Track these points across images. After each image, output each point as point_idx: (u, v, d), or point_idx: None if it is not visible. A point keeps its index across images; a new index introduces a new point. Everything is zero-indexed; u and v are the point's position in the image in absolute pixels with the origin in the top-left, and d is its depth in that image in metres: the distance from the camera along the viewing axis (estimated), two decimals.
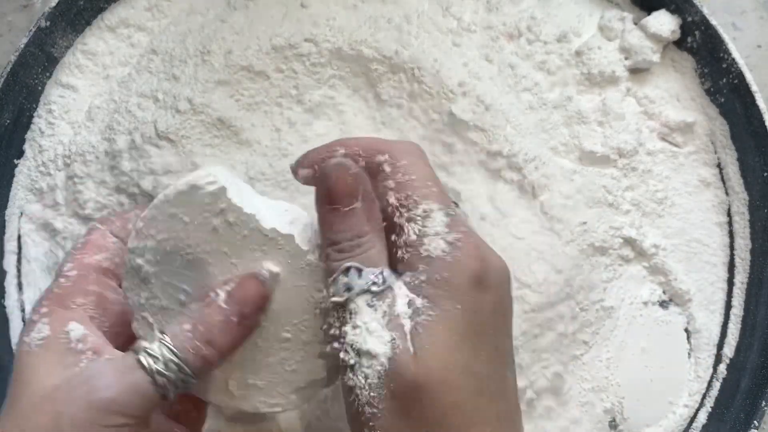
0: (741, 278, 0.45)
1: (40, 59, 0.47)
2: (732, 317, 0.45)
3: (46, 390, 0.28)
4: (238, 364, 0.30)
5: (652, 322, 0.45)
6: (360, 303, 0.27)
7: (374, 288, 0.27)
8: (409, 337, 0.26)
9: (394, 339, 0.26)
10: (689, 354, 0.45)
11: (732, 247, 0.46)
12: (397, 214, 0.28)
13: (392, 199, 0.29)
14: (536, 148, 0.44)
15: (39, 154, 0.47)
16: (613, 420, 0.43)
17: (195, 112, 0.43)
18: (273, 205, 0.31)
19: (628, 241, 0.44)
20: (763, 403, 0.41)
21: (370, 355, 0.26)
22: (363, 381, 0.26)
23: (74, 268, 0.33)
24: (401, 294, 0.27)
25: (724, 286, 0.46)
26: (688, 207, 0.46)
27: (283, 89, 0.44)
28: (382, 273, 0.27)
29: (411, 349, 0.26)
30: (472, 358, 0.27)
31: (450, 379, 0.26)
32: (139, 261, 0.30)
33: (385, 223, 0.29)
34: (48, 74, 0.48)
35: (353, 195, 0.28)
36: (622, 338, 0.44)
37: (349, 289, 0.27)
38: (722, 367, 0.44)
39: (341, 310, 0.28)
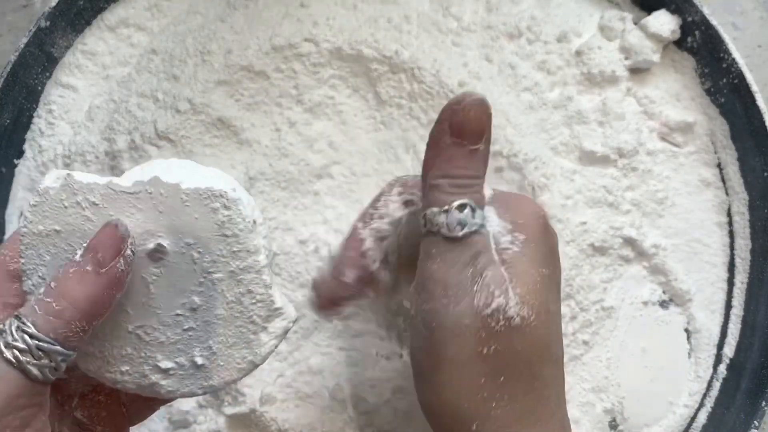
0: (741, 278, 0.45)
1: (40, 59, 0.47)
2: (732, 317, 0.45)
3: None
4: (112, 332, 0.28)
5: (652, 322, 0.45)
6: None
7: (482, 230, 0.28)
8: (506, 276, 0.28)
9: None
10: (689, 354, 0.45)
11: (732, 247, 0.46)
12: None
13: None
14: (536, 148, 0.44)
15: (39, 154, 0.47)
16: (613, 420, 0.43)
17: (195, 112, 0.43)
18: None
19: (628, 241, 0.44)
20: (763, 403, 0.41)
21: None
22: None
23: None
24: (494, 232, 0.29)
25: (725, 286, 0.46)
26: (688, 207, 0.46)
27: (283, 89, 0.44)
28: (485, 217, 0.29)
29: (510, 291, 0.27)
30: (551, 297, 0.29)
31: (541, 319, 0.28)
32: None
33: None
34: (48, 74, 0.48)
35: (482, 135, 0.29)
36: (622, 338, 0.44)
37: (462, 225, 0.28)
38: (722, 367, 0.44)
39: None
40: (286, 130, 0.44)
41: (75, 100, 0.48)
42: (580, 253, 0.43)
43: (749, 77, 0.45)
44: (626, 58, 0.47)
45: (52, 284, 0.25)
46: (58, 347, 0.25)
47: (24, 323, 0.25)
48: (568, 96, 0.45)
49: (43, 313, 0.25)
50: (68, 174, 0.27)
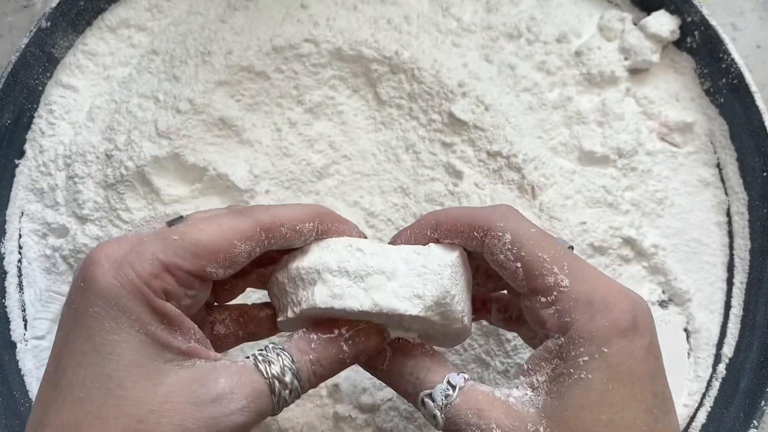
0: (740, 278, 0.45)
1: (40, 59, 0.47)
2: (731, 317, 0.45)
3: (154, 398, 0.26)
4: None
5: None
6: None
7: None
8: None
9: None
10: (689, 354, 0.45)
11: (731, 247, 0.46)
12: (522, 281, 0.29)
13: (512, 267, 0.29)
14: (536, 148, 0.44)
15: (39, 154, 0.47)
16: None
17: (196, 112, 0.43)
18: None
19: (628, 241, 0.44)
20: (763, 402, 0.41)
21: None
22: None
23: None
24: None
25: (724, 285, 0.46)
26: (687, 207, 0.46)
27: (284, 89, 0.44)
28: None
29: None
30: (621, 411, 0.26)
31: None
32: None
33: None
34: (48, 74, 0.48)
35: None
36: None
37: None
38: (721, 367, 0.44)
39: None
40: (287, 130, 0.44)
41: (76, 100, 0.48)
42: (580, 253, 0.43)
43: (748, 77, 0.45)
44: (626, 59, 0.47)
45: (318, 351, 0.29)
46: (299, 392, 0.29)
47: (292, 364, 0.29)
48: (567, 96, 0.46)
49: (306, 369, 0.29)
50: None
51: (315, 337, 0.30)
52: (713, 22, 0.46)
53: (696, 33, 0.47)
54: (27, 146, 0.47)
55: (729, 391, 0.43)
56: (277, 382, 0.28)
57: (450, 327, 0.30)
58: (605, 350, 0.26)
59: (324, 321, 0.30)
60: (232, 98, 0.44)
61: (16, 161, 0.47)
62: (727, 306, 0.45)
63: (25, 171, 0.47)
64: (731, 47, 0.45)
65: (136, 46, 0.48)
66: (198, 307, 0.30)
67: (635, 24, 0.48)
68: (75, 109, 0.48)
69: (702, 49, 0.47)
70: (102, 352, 0.26)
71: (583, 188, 0.44)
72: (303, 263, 0.30)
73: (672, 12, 0.47)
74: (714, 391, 0.44)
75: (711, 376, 0.44)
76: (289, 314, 0.31)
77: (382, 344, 0.31)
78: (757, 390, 0.42)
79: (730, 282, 0.46)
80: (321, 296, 0.29)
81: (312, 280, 0.30)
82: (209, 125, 0.43)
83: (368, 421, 0.40)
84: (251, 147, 0.44)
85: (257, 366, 0.28)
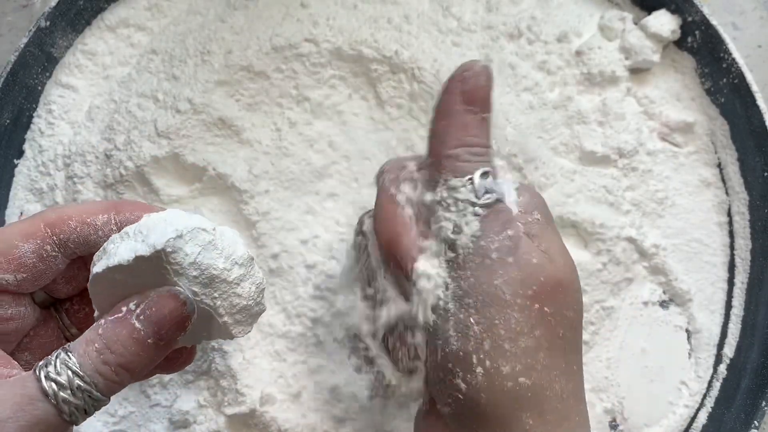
0: (741, 278, 0.45)
1: (39, 59, 0.47)
2: (732, 317, 0.45)
3: None
4: None
5: (653, 322, 0.45)
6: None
7: (504, 199, 0.28)
8: (537, 242, 0.27)
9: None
10: (689, 354, 0.45)
11: (732, 247, 0.46)
12: None
13: None
14: (536, 148, 0.44)
15: (39, 154, 0.46)
16: (614, 420, 0.43)
17: (195, 111, 0.43)
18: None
19: (629, 241, 0.44)
20: (763, 403, 0.41)
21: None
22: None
23: None
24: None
25: (725, 286, 0.46)
26: (688, 207, 0.46)
27: (283, 89, 0.44)
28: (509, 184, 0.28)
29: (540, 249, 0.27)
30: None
31: (574, 276, 0.28)
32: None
33: None
34: (48, 74, 0.48)
35: (490, 104, 0.29)
36: (622, 338, 0.44)
37: (489, 192, 0.27)
38: (722, 367, 0.44)
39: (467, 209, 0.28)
40: (287, 130, 0.44)
41: (75, 100, 0.48)
42: None
43: (749, 77, 0.45)
44: (626, 58, 0.47)
45: (111, 350, 0.25)
46: (97, 393, 0.25)
47: (69, 358, 0.25)
48: (568, 96, 0.45)
49: (92, 360, 0.25)
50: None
51: (103, 321, 0.26)
52: (714, 21, 0.46)
53: (697, 32, 0.47)
54: (26, 146, 0.47)
55: (730, 392, 0.43)
56: (53, 384, 0.24)
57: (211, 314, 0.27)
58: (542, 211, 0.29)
59: (116, 303, 0.27)
60: (232, 98, 0.44)
61: (15, 161, 0.47)
62: (728, 306, 0.45)
63: (24, 171, 0.47)
64: (732, 47, 0.45)
65: (136, 46, 0.48)
66: (24, 326, 0.29)
67: (636, 23, 0.48)
68: (74, 108, 0.48)
69: (703, 48, 0.47)
70: None
71: (584, 188, 0.44)
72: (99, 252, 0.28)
73: (673, 11, 0.47)
74: (715, 392, 0.44)
75: (712, 377, 0.44)
76: (95, 307, 0.28)
77: (182, 310, 0.26)
78: (757, 390, 0.42)
79: (731, 282, 0.46)
80: (98, 262, 0.27)
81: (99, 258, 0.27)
82: (209, 125, 0.43)
83: (369, 421, 0.40)
84: (251, 147, 0.43)
85: (35, 372, 0.25)
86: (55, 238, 0.28)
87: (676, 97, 0.48)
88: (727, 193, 0.47)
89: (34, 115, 0.47)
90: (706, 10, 0.46)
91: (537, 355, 0.26)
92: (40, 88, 0.47)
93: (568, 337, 0.27)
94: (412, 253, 0.29)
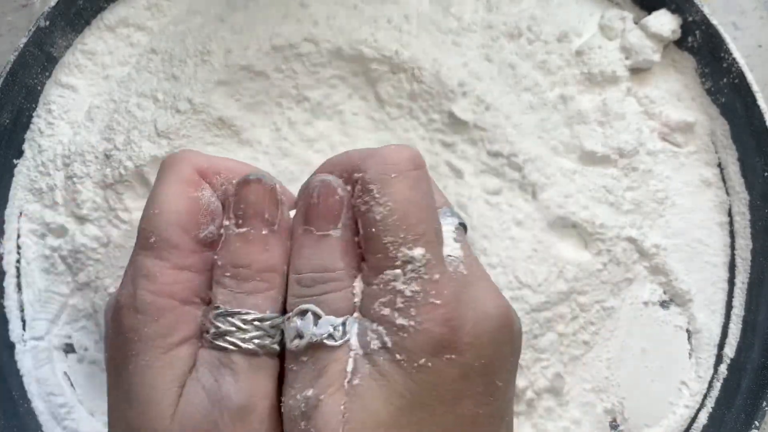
0: (742, 278, 0.45)
1: (39, 59, 0.47)
2: (733, 317, 0.45)
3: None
4: None
5: (653, 322, 0.45)
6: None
7: (329, 342, 0.23)
8: (342, 403, 0.22)
9: (321, 400, 0.23)
10: (690, 354, 0.45)
11: (733, 247, 0.46)
12: (368, 254, 0.24)
13: (367, 233, 0.24)
14: (536, 148, 0.44)
15: (38, 154, 0.46)
16: (614, 420, 0.43)
17: (195, 111, 0.43)
18: None
19: (629, 241, 0.44)
20: (764, 403, 0.41)
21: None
22: None
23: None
24: (354, 351, 0.23)
25: (725, 286, 0.46)
26: (688, 207, 0.46)
27: (283, 89, 0.44)
28: (343, 324, 0.24)
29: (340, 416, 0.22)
30: None
31: None
32: None
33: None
34: (47, 74, 0.48)
35: (331, 220, 0.25)
36: (622, 338, 0.44)
37: (300, 336, 0.24)
38: (723, 368, 0.44)
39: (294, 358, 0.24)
40: (287, 130, 0.44)
41: (75, 99, 0.48)
42: None
43: (750, 77, 0.45)
44: (626, 58, 0.47)
45: (239, 262, 0.25)
46: (277, 315, 0.25)
47: (240, 312, 0.24)
48: (568, 96, 0.45)
49: (259, 292, 0.25)
50: None
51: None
52: (714, 21, 0.46)
53: (697, 32, 0.47)
54: (25, 146, 0.47)
55: (730, 392, 0.43)
56: (258, 343, 0.24)
57: None
58: (416, 368, 0.22)
59: None
60: (232, 98, 0.44)
61: (15, 161, 0.47)
62: (729, 306, 0.45)
63: (23, 171, 0.47)
64: (732, 47, 0.45)
65: (135, 46, 0.48)
66: None
67: (636, 23, 0.48)
68: (74, 108, 0.48)
69: (703, 48, 0.47)
70: None
71: (584, 188, 0.44)
72: None
73: (673, 11, 0.47)
74: (715, 392, 0.44)
75: (712, 377, 0.44)
76: None
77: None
78: (758, 391, 0.42)
79: (731, 282, 0.46)
80: None
81: None
82: (208, 125, 0.43)
83: None
84: (251, 147, 0.43)
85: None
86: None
87: (676, 96, 0.48)
88: (727, 193, 0.47)
89: (34, 114, 0.47)
90: (706, 10, 0.46)
91: None
92: (39, 87, 0.47)
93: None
94: None
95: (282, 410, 0.24)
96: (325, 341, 0.23)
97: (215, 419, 0.23)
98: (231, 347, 0.24)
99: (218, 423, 0.23)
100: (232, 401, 0.23)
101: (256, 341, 0.24)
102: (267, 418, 0.24)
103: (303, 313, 0.24)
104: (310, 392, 0.23)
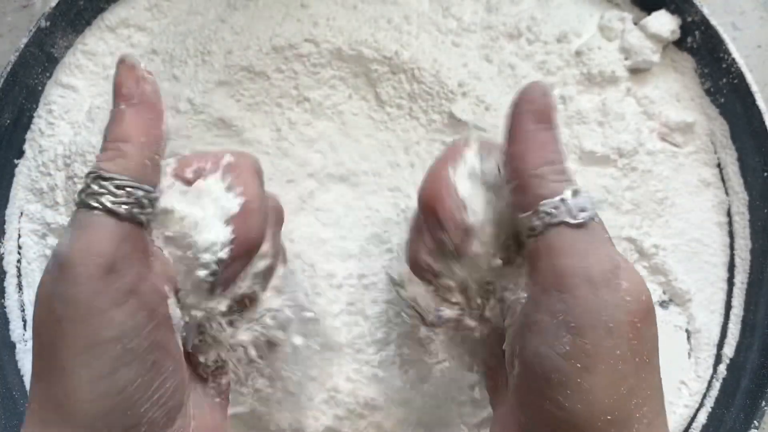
0: (741, 278, 0.45)
1: (40, 59, 0.47)
2: (732, 317, 0.45)
3: None
4: None
5: None
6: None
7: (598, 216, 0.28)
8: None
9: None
10: (689, 354, 0.45)
11: (732, 247, 0.46)
12: None
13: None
14: None
15: (39, 154, 0.47)
16: None
17: (196, 112, 0.43)
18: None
19: (629, 241, 0.44)
20: (763, 403, 0.41)
21: None
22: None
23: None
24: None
25: (724, 286, 0.46)
26: (688, 207, 0.46)
27: (284, 89, 0.44)
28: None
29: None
30: None
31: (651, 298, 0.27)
32: None
33: None
34: (48, 74, 0.48)
35: (557, 121, 0.29)
36: None
37: (583, 210, 0.27)
38: (722, 367, 0.44)
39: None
40: (287, 130, 0.44)
41: (75, 100, 0.48)
42: None
43: (749, 77, 0.45)
44: (626, 58, 0.47)
45: (106, 136, 0.27)
46: (132, 182, 0.26)
47: (96, 172, 0.26)
48: (567, 96, 0.46)
49: (109, 160, 0.27)
50: None
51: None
52: (714, 21, 0.46)
53: (696, 33, 0.47)
54: (26, 146, 0.47)
55: (730, 392, 0.43)
56: (99, 200, 0.26)
57: None
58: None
59: None
60: (232, 98, 0.44)
61: (16, 161, 0.47)
62: (728, 306, 0.45)
63: (24, 171, 0.47)
64: (732, 47, 0.45)
65: (136, 46, 0.48)
66: None
67: (636, 24, 0.48)
68: (74, 108, 0.48)
69: (702, 48, 0.47)
70: None
71: (584, 188, 0.44)
72: None
73: (672, 12, 0.47)
74: (715, 392, 0.44)
75: (712, 377, 0.44)
76: None
77: (129, 63, 0.28)
78: (757, 390, 0.42)
79: (730, 282, 0.46)
80: None
81: None
82: (209, 125, 0.43)
83: (368, 422, 0.40)
84: (251, 147, 0.43)
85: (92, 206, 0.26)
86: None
87: (675, 97, 0.48)
88: (726, 193, 0.47)
89: (35, 115, 0.47)
90: (705, 11, 0.46)
91: (631, 380, 0.26)
92: (40, 88, 0.48)
93: (654, 361, 0.27)
94: (455, 214, 0.30)
95: (586, 278, 0.26)
96: (595, 217, 0.27)
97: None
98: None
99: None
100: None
101: (91, 191, 0.26)
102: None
103: (576, 193, 0.27)
104: (608, 254, 0.27)
